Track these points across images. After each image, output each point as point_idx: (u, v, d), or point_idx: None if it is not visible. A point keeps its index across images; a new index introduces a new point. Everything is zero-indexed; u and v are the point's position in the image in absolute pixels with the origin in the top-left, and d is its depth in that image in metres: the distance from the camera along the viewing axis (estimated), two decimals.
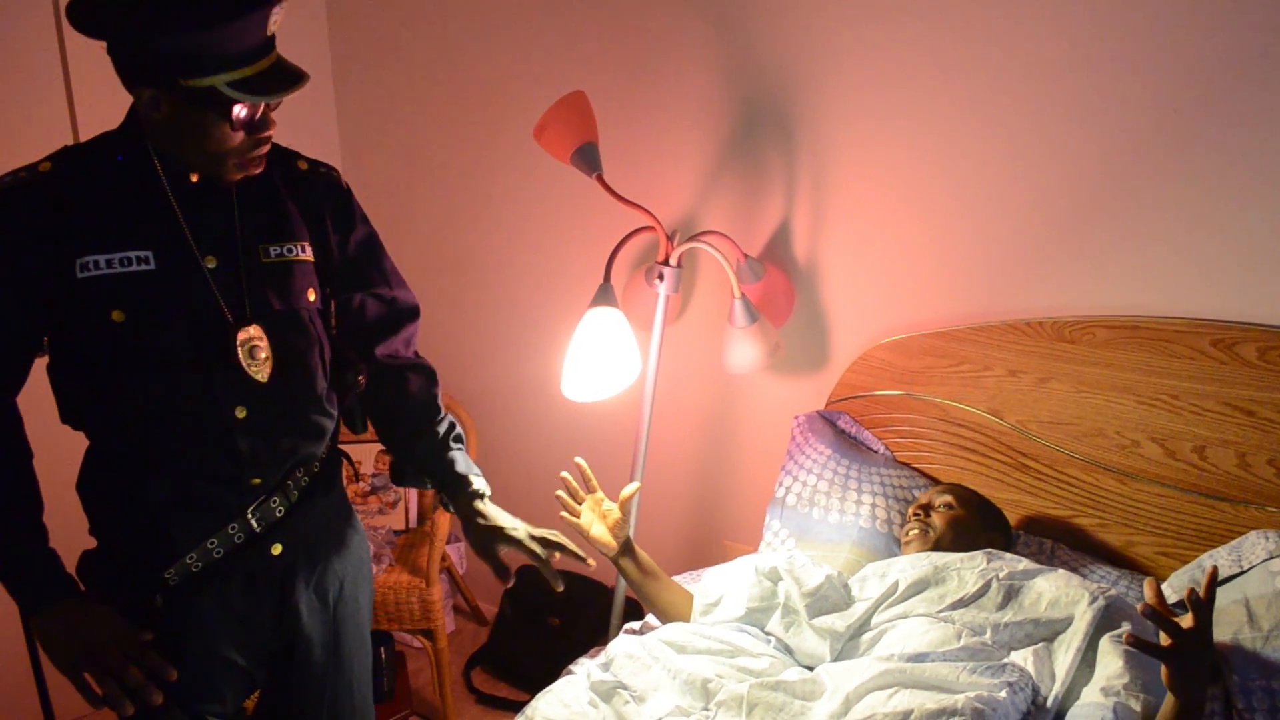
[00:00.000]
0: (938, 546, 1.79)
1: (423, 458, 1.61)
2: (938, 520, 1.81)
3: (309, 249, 1.47)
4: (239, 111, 1.27)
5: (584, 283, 2.33)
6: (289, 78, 1.30)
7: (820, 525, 2.00)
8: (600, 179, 2.09)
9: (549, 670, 1.79)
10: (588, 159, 2.09)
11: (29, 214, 1.29)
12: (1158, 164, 1.79)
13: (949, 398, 2.06)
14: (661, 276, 2.12)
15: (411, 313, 1.64)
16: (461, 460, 1.61)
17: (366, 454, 2.81)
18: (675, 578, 2.19)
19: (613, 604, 2.36)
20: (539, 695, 1.67)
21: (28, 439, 1.41)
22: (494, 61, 2.52)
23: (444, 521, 2.55)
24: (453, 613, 3.04)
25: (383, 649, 2.52)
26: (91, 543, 1.47)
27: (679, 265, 2.14)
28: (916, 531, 1.82)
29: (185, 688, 1.42)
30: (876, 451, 2.15)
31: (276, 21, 1.27)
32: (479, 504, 1.56)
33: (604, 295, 2.13)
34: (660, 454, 2.54)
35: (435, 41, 2.60)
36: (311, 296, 1.47)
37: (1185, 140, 1.76)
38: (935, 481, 2.05)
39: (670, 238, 2.15)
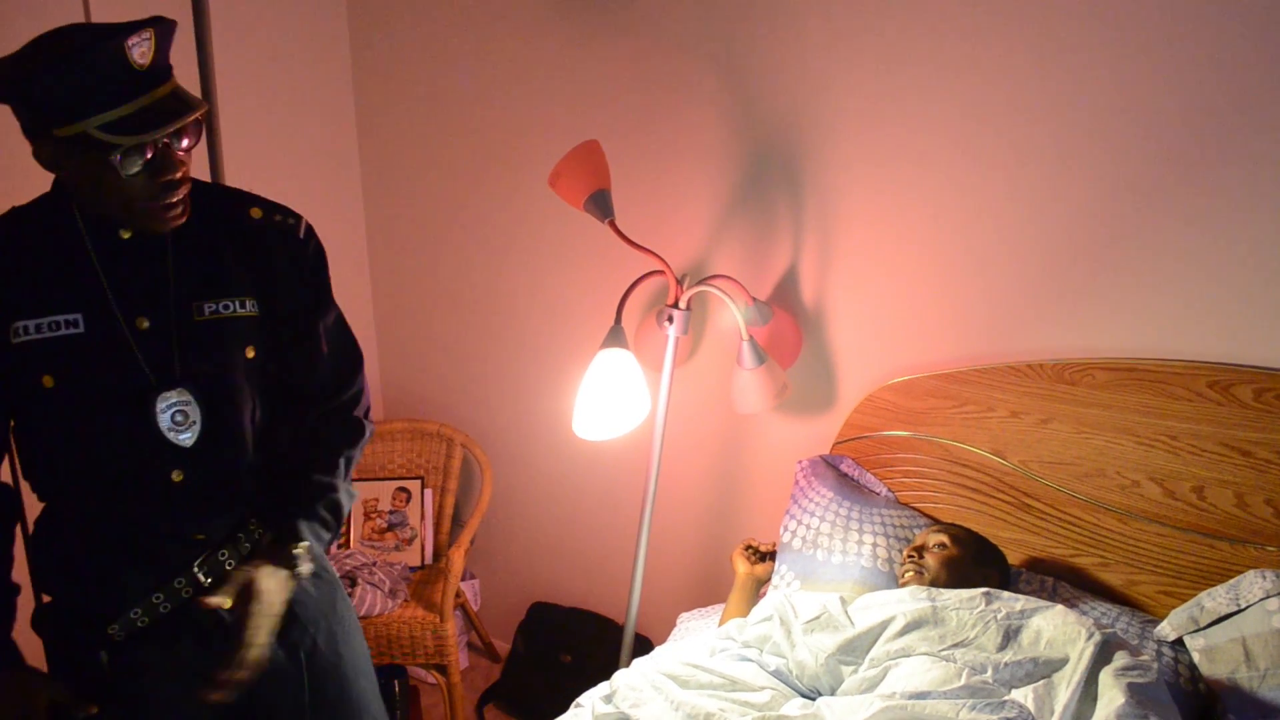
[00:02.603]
0: (933, 585, 1.82)
1: (275, 501, 1.47)
2: (931, 561, 1.85)
3: (251, 304, 1.41)
4: (127, 158, 1.20)
5: (597, 324, 2.38)
6: (173, 110, 1.22)
7: (824, 567, 2.03)
8: (612, 224, 2.16)
9: (560, 706, 1.81)
10: (600, 205, 2.15)
11: None
12: (1156, 208, 1.84)
13: (953, 438, 2.10)
14: (671, 319, 2.18)
15: (350, 373, 1.55)
16: (304, 533, 1.43)
17: (383, 491, 2.87)
18: (686, 614, 2.26)
19: (623, 640, 2.39)
20: None
21: (16, 508, 1.42)
22: (512, 112, 2.60)
23: (458, 558, 2.59)
24: (467, 649, 3.08)
25: (396, 683, 2.55)
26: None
27: (688, 308, 2.20)
28: (911, 574, 1.86)
29: None
30: (879, 493, 2.19)
31: (144, 53, 1.20)
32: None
33: (615, 337, 2.19)
34: (671, 491, 2.58)
35: (456, 94, 2.69)
36: (250, 354, 1.41)
37: (1182, 185, 1.81)
38: (936, 521, 2.09)
39: (680, 281, 2.20)
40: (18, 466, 1.43)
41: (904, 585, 1.87)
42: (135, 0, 2.22)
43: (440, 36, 2.67)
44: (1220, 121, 1.76)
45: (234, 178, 2.48)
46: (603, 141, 2.20)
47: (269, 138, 2.62)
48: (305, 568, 1.42)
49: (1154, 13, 1.76)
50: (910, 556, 1.89)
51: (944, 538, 1.89)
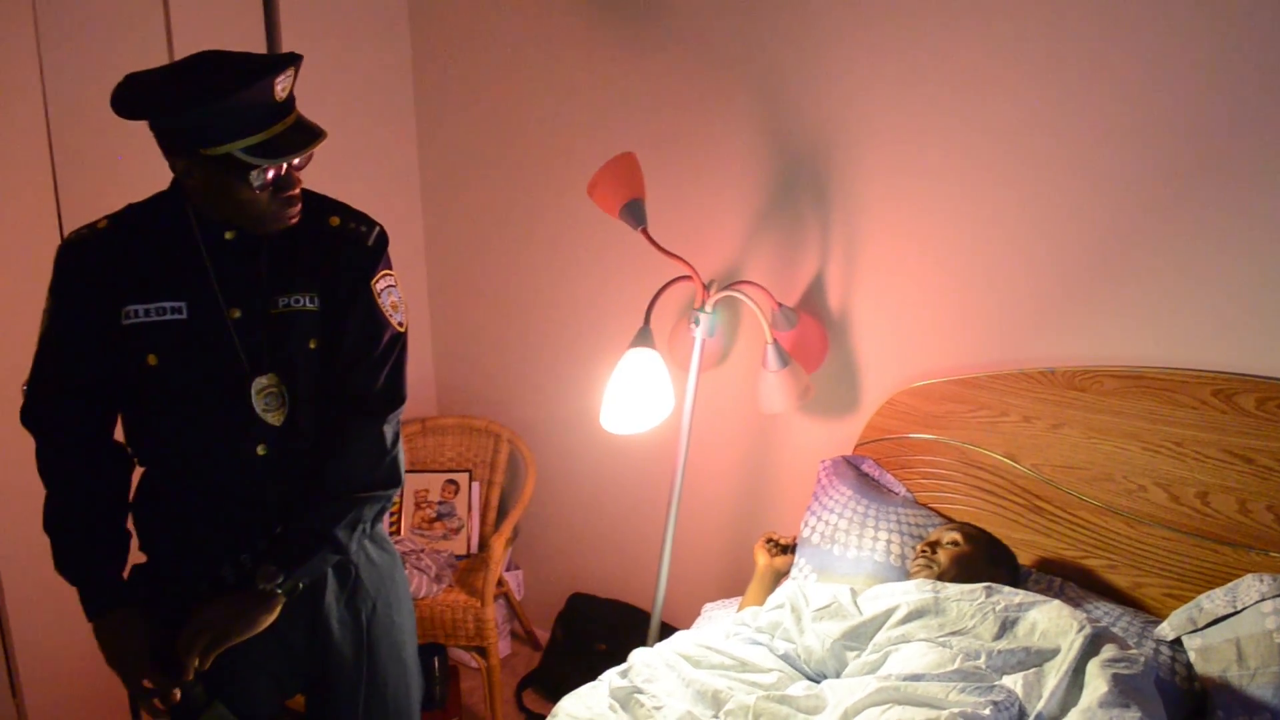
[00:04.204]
0: (941, 579, 1.90)
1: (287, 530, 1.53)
2: (943, 556, 1.93)
3: (314, 300, 1.54)
4: (257, 175, 1.39)
5: (634, 326, 2.50)
6: (303, 139, 1.41)
7: (839, 561, 2.12)
8: (645, 232, 2.28)
9: None
10: (635, 214, 2.27)
11: (86, 266, 1.47)
12: (1164, 222, 1.90)
13: (969, 441, 2.17)
14: (697, 322, 2.29)
15: (365, 350, 1.57)
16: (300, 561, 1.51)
17: (434, 483, 3.03)
18: (710, 604, 2.36)
19: (649, 629, 2.51)
20: (565, 697, 1.83)
21: (126, 468, 1.58)
22: (557, 125, 2.74)
23: (499, 546, 2.74)
24: (510, 637, 3.21)
25: (436, 658, 2.70)
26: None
27: (713, 312, 2.30)
28: (922, 565, 1.94)
29: (226, 699, 1.54)
30: (897, 493, 2.27)
31: (285, 87, 1.39)
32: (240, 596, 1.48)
33: (643, 337, 2.31)
34: (701, 487, 2.69)
35: (507, 108, 2.84)
36: (313, 345, 1.54)
37: (1190, 200, 1.87)
38: (950, 520, 2.16)
39: (707, 287, 2.31)
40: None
41: (913, 578, 1.95)
42: (211, 1, 2.42)
43: (494, 55, 2.83)
44: (1226, 137, 1.81)
45: None
46: (639, 153, 2.32)
47: (333, 145, 2.77)
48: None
49: (1163, 32, 1.83)
50: (923, 551, 1.97)
51: (957, 535, 1.97)
